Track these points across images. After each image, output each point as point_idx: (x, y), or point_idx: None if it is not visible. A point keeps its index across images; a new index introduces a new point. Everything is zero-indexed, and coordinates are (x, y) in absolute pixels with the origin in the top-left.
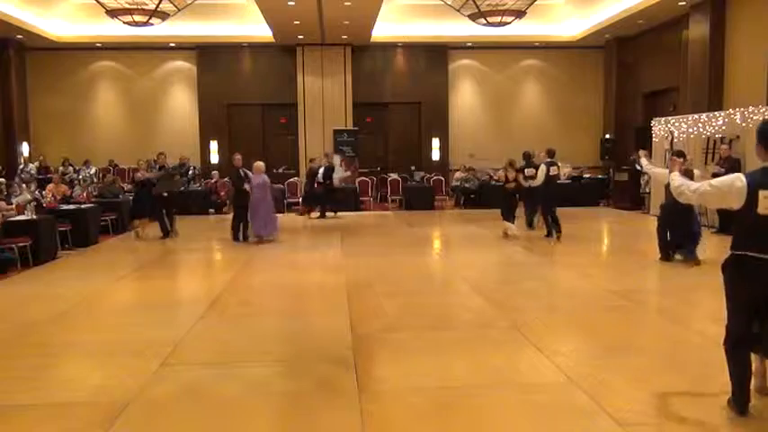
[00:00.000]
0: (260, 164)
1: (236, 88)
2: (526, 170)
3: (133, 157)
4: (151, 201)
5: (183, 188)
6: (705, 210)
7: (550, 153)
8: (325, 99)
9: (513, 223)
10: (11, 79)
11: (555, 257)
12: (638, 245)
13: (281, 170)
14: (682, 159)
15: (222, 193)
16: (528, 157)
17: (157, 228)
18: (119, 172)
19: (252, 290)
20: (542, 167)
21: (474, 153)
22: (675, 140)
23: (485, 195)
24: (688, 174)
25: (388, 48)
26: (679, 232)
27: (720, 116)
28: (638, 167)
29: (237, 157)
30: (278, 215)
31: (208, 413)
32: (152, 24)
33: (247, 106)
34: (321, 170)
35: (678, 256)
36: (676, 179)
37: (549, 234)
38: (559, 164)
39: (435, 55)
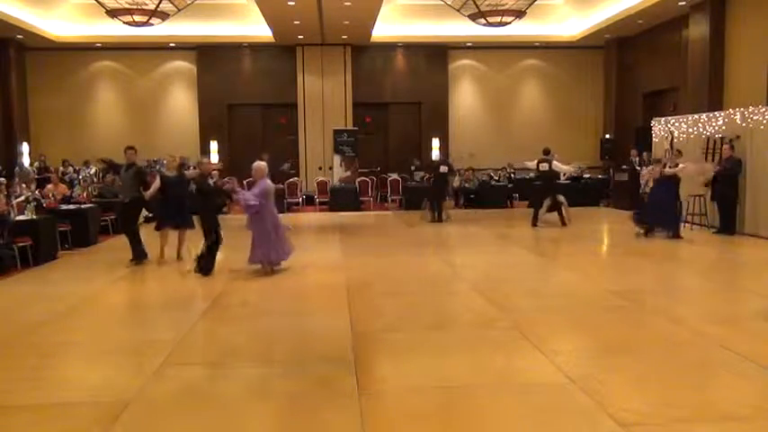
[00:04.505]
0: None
1: (236, 88)
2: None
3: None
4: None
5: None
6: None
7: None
8: (325, 99)
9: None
10: (11, 79)
11: (555, 257)
12: (637, 245)
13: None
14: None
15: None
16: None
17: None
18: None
19: (252, 290)
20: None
21: (474, 153)
22: (675, 140)
23: (485, 196)
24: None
25: (388, 48)
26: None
27: (720, 116)
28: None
29: (206, 160)
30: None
31: (208, 413)
32: (152, 24)
33: (247, 106)
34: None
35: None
36: None
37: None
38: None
39: (435, 55)
